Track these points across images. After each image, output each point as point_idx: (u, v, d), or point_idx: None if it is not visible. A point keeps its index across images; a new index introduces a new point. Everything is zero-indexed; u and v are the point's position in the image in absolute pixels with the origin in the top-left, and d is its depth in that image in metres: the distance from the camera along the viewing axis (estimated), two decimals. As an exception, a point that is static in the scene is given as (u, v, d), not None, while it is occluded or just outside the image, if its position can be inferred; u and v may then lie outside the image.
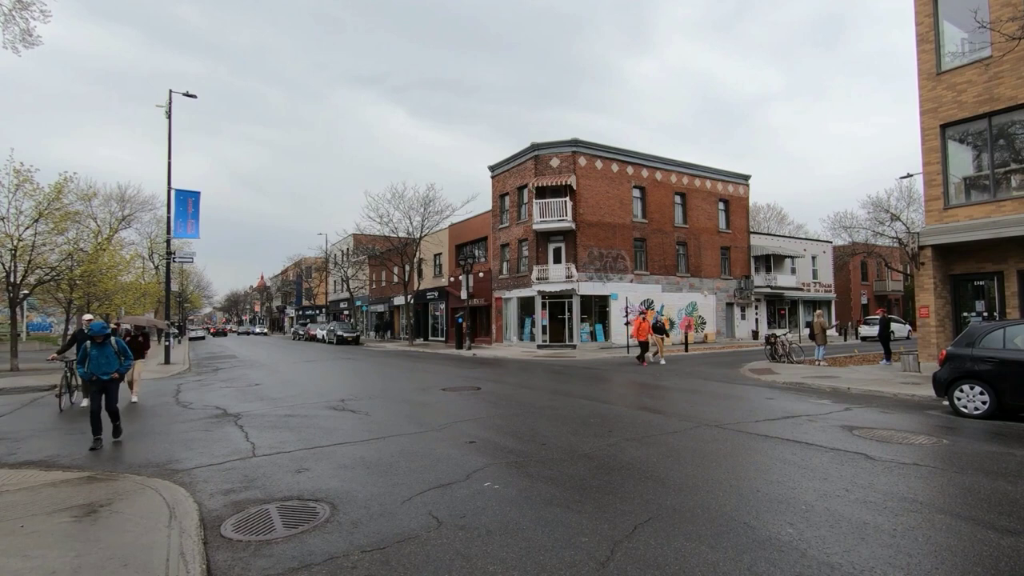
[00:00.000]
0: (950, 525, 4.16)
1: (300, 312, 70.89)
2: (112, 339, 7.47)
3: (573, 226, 27.29)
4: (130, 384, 11.33)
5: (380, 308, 49.72)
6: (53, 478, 5.75)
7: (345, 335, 39.90)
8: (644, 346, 18.90)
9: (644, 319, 19.46)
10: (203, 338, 60.53)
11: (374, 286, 50.86)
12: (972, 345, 8.87)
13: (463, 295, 31.41)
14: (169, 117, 21.91)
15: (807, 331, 36.78)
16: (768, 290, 36.16)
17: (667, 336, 21.20)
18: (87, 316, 10.17)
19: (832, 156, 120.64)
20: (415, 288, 40.27)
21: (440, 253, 39.92)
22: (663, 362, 19.33)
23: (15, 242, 18.46)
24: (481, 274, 33.02)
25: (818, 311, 22.86)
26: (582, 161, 28.26)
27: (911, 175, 31.17)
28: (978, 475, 5.46)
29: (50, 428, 8.85)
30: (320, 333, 45.27)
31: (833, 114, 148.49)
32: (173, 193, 22.08)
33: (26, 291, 20.59)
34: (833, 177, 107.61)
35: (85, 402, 10.30)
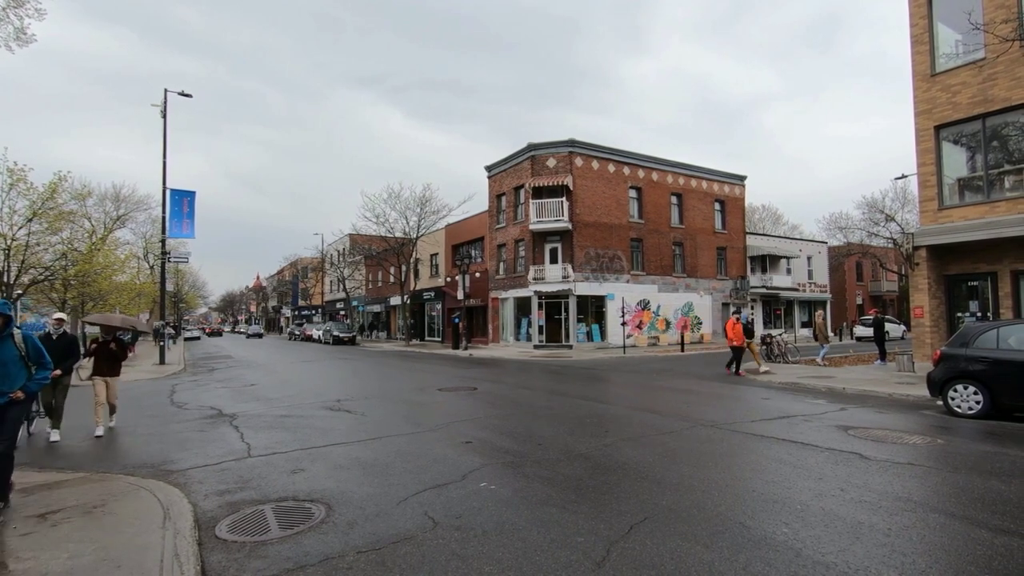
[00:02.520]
0: (944, 524, 4.18)
1: (296, 312, 70.70)
2: (17, 337, 4.88)
3: (570, 226, 27.31)
4: (107, 406, 8.47)
5: (377, 308, 49.62)
6: (47, 479, 5.71)
7: (341, 335, 39.80)
8: (738, 353, 15.53)
9: (738, 320, 15.86)
10: (198, 338, 60.42)
11: (370, 286, 50.77)
12: (966, 345, 8.91)
13: (460, 295, 31.41)
14: (164, 116, 21.82)
15: (805, 331, 36.94)
16: (764, 290, 36.26)
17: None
18: (57, 315, 8.07)
19: (828, 157, 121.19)
20: (412, 288, 40.21)
21: (436, 253, 39.89)
22: (765, 370, 15.63)
23: (9, 242, 18.36)
24: (478, 274, 33.01)
25: (819, 312, 22.94)
26: (579, 161, 28.28)
27: (906, 176, 31.29)
28: (972, 475, 5.49)
29: (41, 430, 8.78)
30: (316, 333, 45.18)
31: (829, 115, 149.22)
32: (168, 193, 21.99)
33: (20, 291, 20.48)
34: (829, 178, 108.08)
35: (56, 435, 7.80)
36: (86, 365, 8.77)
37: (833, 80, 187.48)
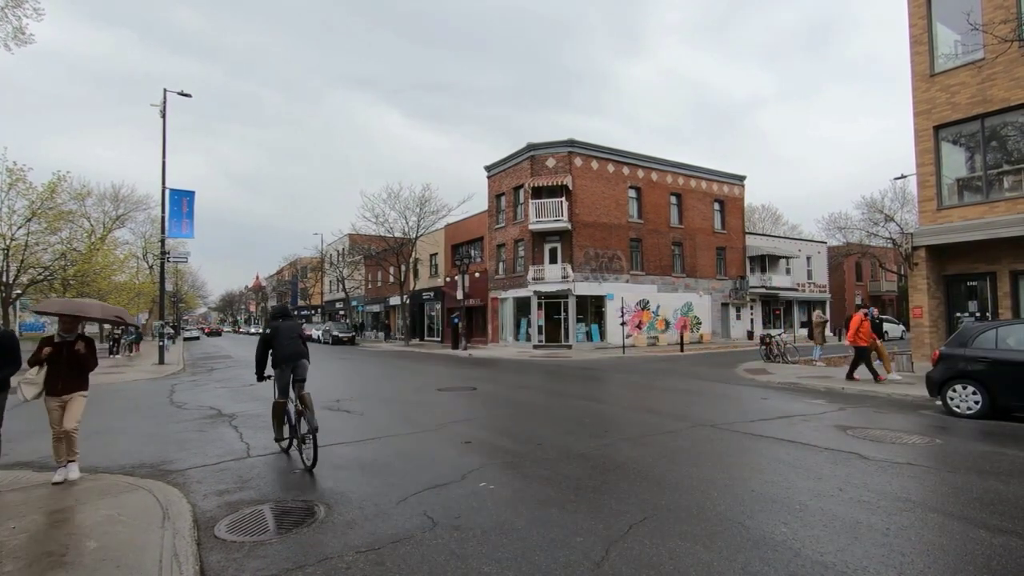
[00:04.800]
0: (943, 524, 4.18)
1: (296, 312, 70.73)
2: None
3: (569, 226, 27.32)
4: (62, 440, 5.53)
5: (376, 308, 49.61)
6: (46, 479, 5.70)
7: (341, 335, 39.79)
8: (864, 354, 12.81)
9: (866, 315, 13.08)
10: (197, 338, 60.47)
11: (370, 286, 50.77)
12: (965, 345, 8.92)
13: (459, 295, 31.40)
14: (164, 116, 21.81)
15: (804, 331, 36.94)
16: (763, 290, 36.29)
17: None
18: None
19: (827, 157, 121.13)
20: (411, 288, 40.21)
21: (436, 253, 39.88)
22: (896, 376, 13.22)
23: (8, 241, 18.38)
24: (477, 274, 33.01)
25: (816, 311, 22.96)
26: (578, 161, 28.29)
27: (905, 176, 31.33)
28: (970, 474, 5.49)
29: (44, 429, 8.73)
30: (315, 333, 45.19)
31: (828, 116, 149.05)
32: (167, 192, 21.98)
33: (19, 291, 20.47)
34: (828, 178, 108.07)
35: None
36: (34, 378, 5.41)
37: (831, 81, 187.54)
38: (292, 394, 6.48)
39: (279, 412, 6.66)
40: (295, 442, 6.44)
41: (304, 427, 6.12)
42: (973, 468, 5.73)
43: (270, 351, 6.53)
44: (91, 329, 37.53)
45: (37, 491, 5.20)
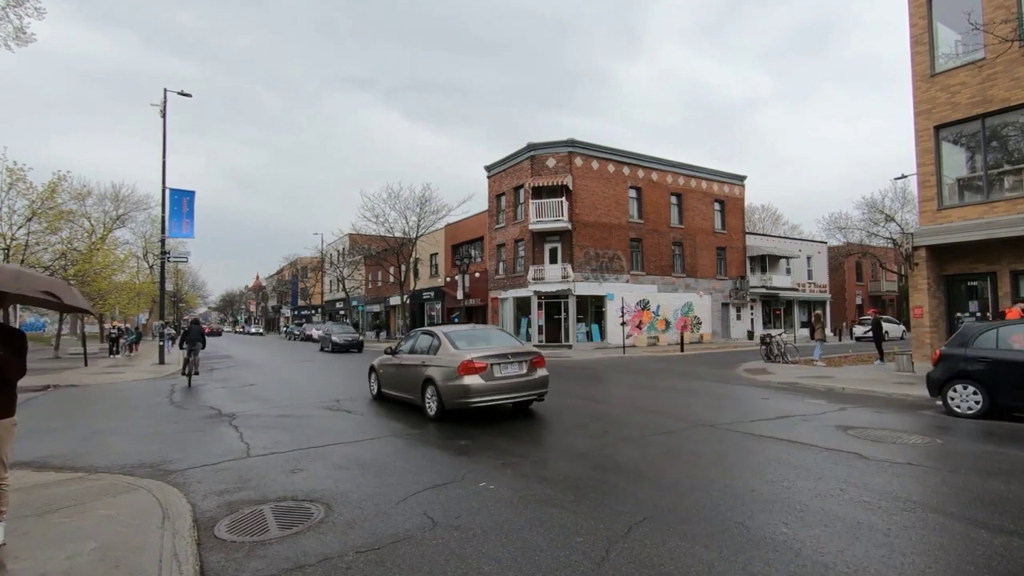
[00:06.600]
0: (943, 524, 4.17)
1: (296, 312, 70.69)
2: None
3: (569, 226, 27.32)
4: None
5: (376, 308, 49.62)
6: (45, 479, 5.71)
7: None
8: None
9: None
10: None
11: (370, 286, 50.79)
12: (965, 345, 8.91)
13: (459, 295, 31.40)
14: (164, 116, 21.80)
15: (805, 331, 36.92)
16: (763, 290, 36.27)
17: None
18: None
19: (827, 158, 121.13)
20: (411, 288, 40.21)
21: (436, 253, 39.89)
22: None
23: (8, 241, 18.38)
24: (477, 274, 33.01)
25: (816, 311, 22.95)
26: (578, 161, 28.29)
27: (905, 176, 31.34)
28: (971, 474, 5.48)
29: (43, 429, 8.79)
30: (315, 333, 45.17)
31: (828, 116, 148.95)
32: (168, 192, 21.97)
33: (19, 291, 20.47)
34: (828, 178, 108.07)
35: None
36: None
37: (831, 81, 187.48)
38: (191, 356, 14.65)
39: (185, 362, 14.80)
40: (189, 376, 14.58)
41: (192, 369, 14.61)
42: (974, 468, 5.72)
43: (185, 338, 15.18)
44: (91, 328, 37.39)
45: (35, 491, 5.20)
